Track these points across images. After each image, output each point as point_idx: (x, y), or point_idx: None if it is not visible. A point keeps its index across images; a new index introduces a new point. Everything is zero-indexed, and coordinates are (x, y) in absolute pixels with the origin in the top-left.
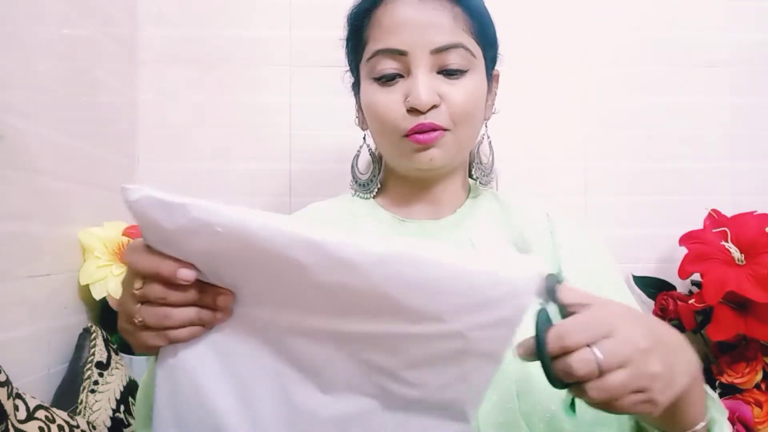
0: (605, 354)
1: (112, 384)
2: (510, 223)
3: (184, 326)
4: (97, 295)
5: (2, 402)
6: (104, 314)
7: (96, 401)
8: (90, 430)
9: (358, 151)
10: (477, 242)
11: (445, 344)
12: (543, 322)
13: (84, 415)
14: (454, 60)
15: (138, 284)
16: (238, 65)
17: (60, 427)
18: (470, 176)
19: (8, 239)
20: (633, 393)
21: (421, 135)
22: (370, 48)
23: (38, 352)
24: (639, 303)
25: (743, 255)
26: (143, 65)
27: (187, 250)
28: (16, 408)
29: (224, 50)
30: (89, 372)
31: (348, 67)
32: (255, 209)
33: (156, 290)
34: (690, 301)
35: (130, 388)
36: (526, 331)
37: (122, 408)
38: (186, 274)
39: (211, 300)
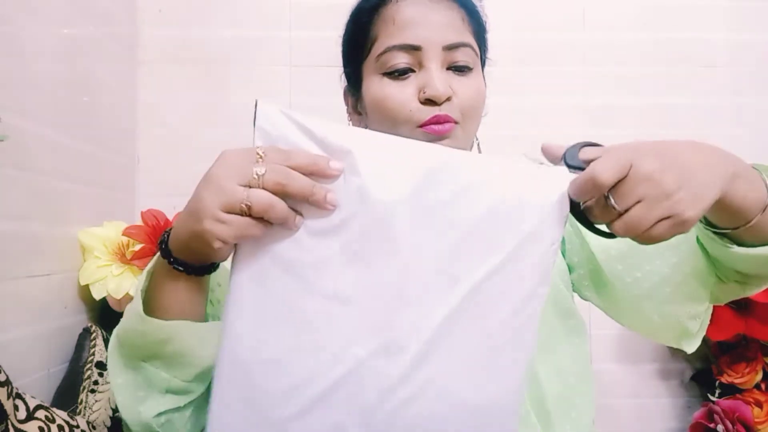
0: (618, 197)
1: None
2: None
3: (284, 215)
4: (97, 295)
5: (2, 402)
6: (104, 314)
7: (96, 401)
8: (90, 430)
9: None
10: None
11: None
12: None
13: (84, 414)
14: (462, 57)
15: (261, 170)
16: (238, 65)
17: (60, 427)
18: None
19: (8, 239)
20: (660, 221)
21: (436, 125)
22: (381, 44)
23: (38, 352)
24: None
25: None
26: (143, 65)
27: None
28: (16, 408)
29: (224, 50)
30: (89, 372)
31: (343, 70)
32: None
33: (283, 174)
34: None
35: None
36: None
37: None
38: (338, 166)
39: (320, 196)
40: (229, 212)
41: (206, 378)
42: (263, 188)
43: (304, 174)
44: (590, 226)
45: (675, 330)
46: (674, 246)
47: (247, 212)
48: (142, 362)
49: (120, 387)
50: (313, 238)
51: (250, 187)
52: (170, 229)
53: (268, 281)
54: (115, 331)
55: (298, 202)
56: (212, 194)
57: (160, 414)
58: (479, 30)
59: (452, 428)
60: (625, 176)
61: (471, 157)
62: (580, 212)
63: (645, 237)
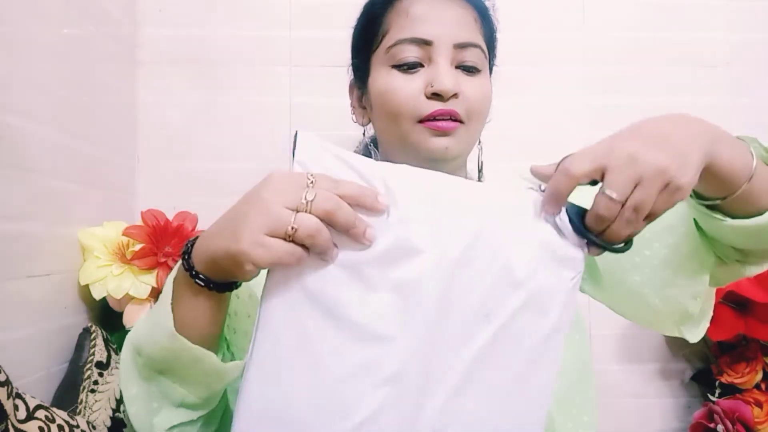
0: (614, 187)
1: (112, 384)
2: None
3: (327, 244)
4: (97, 295)
5: (2, 402)
6: (104, 314)
7: (96, 401)
8: (90, 429)
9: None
10: None
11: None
12: (573, 213)
13: (84, 414)
14: (471, 58)
15: (311, 195)
16: (238, 65)
17: (60, 427)
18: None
19: (8, 239)
20: (660, 193)
21: (440, 122)
22: (392, 36)
23: (38, 352)
24: None
25: None
26: (143, 65)
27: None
28: (16, 408)
29: (224, 50)
30: (89, 372)
31: (351, 62)
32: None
33: (333, 201)
34: None
35: None
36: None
37: (122, 408)
38: (385, 201)
39: (360, 231)
40: (271, 236)
41: (220, 395)
42: (311, 213)
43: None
44: (601, 245)
45: (676, 314)
46: (671, 227)
47: (292, 236)
48: (159, 374)
49: (133, 397)
50: (347, 272)
51: (298, 211)
52: (194, 240)
53: (300, 315)
54: (129, 340)
55: (334, 233)
56: (257, 216)
57: (173, 427)
58: (490, 34)
59: None
60: (608, 167)
61: (504, 203)
62: (587, 234)
63: (654, 213)
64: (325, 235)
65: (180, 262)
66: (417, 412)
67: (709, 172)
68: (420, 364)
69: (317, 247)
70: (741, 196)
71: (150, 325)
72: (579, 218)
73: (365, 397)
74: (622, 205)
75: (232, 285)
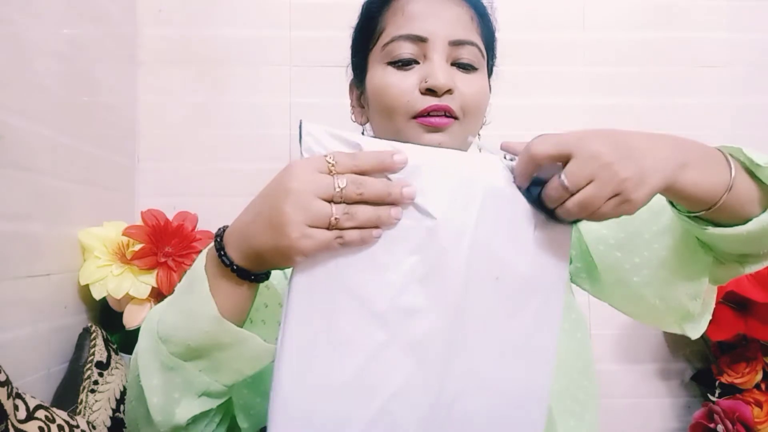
0: (569, 176)
1: (112, 384)
2: None
3: (366, 225)
4: (97, 295)
5: (2, 402)
6: (104, 314)
7: (96, 401)
8: (90, 429)
9: None
10: None
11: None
12: (534, 187)
13: (84, 414)
14: (467, 55)
15: (342, 182)
16: (238, 65)
17: (60, 427)
18: None
19: (8, 239)
20: (609, 199)
21: (433, 118)
22: (389, 33)
23: (38, 352)
24: None
25: None
26: (143, 65)
27: None
28: (16, 408)
29: (224, 50)
30: (89, 372)
31: (350, 61)
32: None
33: (360, 181)
34: None
35: None
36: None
37: (122, 408)
38: (402, 157)
39: (397, 193)
40: (314, 227)
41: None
42: (344, 200)
43: (373, 173)
44: (551, 213)
45: (677, 313)
46: (670, 229)
47: (335, 226)
48: (185, 362)
49: (155, 388)
50: (368, 253)
51: (333, 201)
52: (221, 234)
53: (326, 299)
54: (150, 331)
55: None
56: (296, 210)
57: (193, 416)
58: (488, 34)
59: (495, 417)
60: (573, 156)
61: (499, 171)
62: (540, 202)
63: (595, 216)
64: (364, 213)
65: (205, 253)
66: (441, 380)
67: (673, 193)
68: (444, 333)
69: (362, 224)
70: (723, 207)
71: (182, 313)
72: (538, 191)
73: (394, 371)
74: (572, 194)
75: (268, 274)
